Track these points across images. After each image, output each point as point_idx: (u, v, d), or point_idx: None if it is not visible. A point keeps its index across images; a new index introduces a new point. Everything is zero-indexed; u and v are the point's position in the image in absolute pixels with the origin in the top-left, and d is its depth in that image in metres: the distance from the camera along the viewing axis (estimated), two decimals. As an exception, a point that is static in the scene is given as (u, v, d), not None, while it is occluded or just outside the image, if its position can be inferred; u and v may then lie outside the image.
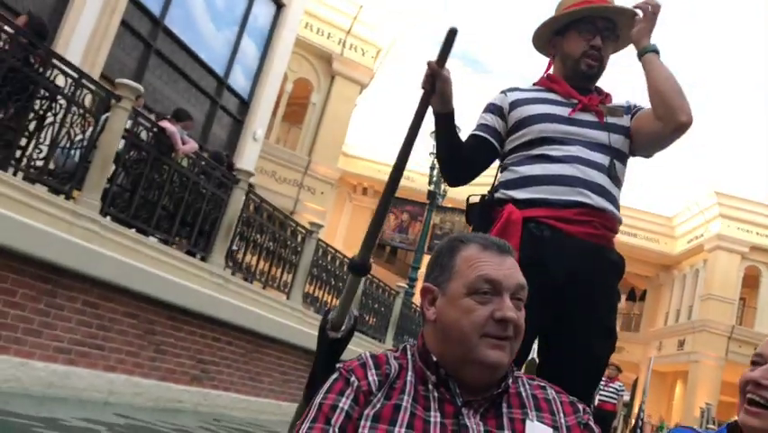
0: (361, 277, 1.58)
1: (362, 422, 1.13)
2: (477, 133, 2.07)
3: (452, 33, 1.56)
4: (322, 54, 18.45)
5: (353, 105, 19.49)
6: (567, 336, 1.90)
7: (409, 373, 1.21)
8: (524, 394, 1.24)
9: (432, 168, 15.10)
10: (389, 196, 1.63)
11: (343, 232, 23.95)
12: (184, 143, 5.65)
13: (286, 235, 8.11)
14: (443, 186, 15.21)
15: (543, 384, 1.29)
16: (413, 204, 18.55)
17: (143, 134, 5.35)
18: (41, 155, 4.63)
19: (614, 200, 1.96)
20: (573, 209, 1.89)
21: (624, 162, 2.05)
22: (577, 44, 2.07)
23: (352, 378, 1.18)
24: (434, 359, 1.20)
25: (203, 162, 6.31)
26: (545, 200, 1.90)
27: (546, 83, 2.12)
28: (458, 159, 2.01)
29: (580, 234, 1.89)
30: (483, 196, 2.07)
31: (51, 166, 4.76)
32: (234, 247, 6.74)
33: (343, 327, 1.52)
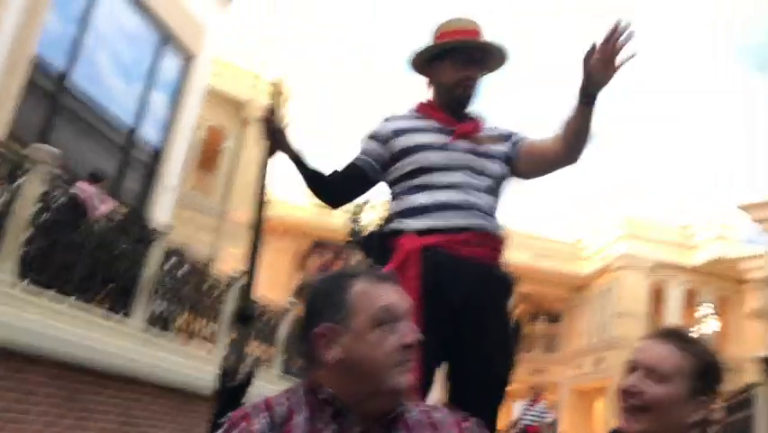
0: (247, 326, 1.58)
1: None
2: (359, 157, 2.16)
3: (276, 88, 1.63)
4: (233, 101, 18.57)
5: (267, 149, 19.61)
6: (468, 358, 1.97)
7: (302, 411, 1.22)
8: (414, 418, 1.27)
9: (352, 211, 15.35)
10: (255, 248, 1.66)
11: (265, 275, 23.82)
12: (101, 203, 5.70)
13: (208, 285, 8.15)
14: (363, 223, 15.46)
15: (431, 407, 1.34)
16: (335, 243, 18.73)
17: (60, 198, 5.37)
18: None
19: (497, 222, 2.09)
20: (465, 234, 1.99)
21: (502, 187, 2.17)
22: (452, 73, 2.15)
23: (243, 424, 1.18)
24: (330, 390, 1.21)
25: (121, 220, 6.36)
26: (438, 227, 1.99)
27: (424, 110, 2.21)
28: (326, 187, 2.12)
29: (473, 257, 1.99)
30: (379, 227, 2.18)
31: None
32: (157, 302, 6.77)
33: (240, 375, 1.52)
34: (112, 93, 10.39)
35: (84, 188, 5.59)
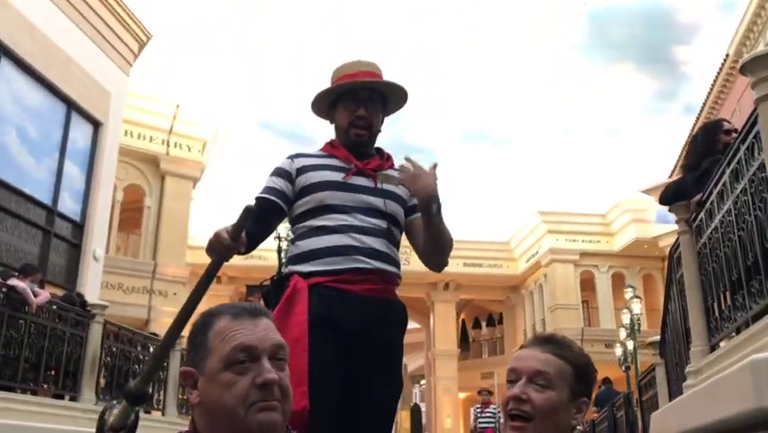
0: (135, 407, 1.48)
1: None
2: (265, 196, 2.16)
3: (247, 210, 1.61)
4: (147, 157, 18.47)
5: (189, 199, 19.56)
6: (357, 383, 2.03)
7: None
8: None
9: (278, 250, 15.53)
10: (174, 337, 1.63)
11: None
12: (36, 296, 5.78)
13: (148, 352, 8.18)
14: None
15: None
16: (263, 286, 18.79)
17: None
18: None
19: (390, 259, 2.11)
20: (348, 274, 2.04)
21: (399, 227, 2.21)
22: (344, 116, 2.21)
23: None
24: None
25: (55, 307, 6.43)
26: (325, 271, 2.04)
27: (328, 148, 2.25)
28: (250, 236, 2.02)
29: (360, 291, 2.04)
30: (273, 276, 2.22)
31: None
32: (101, 379, 6.82)
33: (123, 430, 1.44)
34: (24, 172, 10.30)
35: (16, 283, 5.67)
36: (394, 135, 29.54)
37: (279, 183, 2.17)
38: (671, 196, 3.56)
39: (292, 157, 2.23)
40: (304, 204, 2.15)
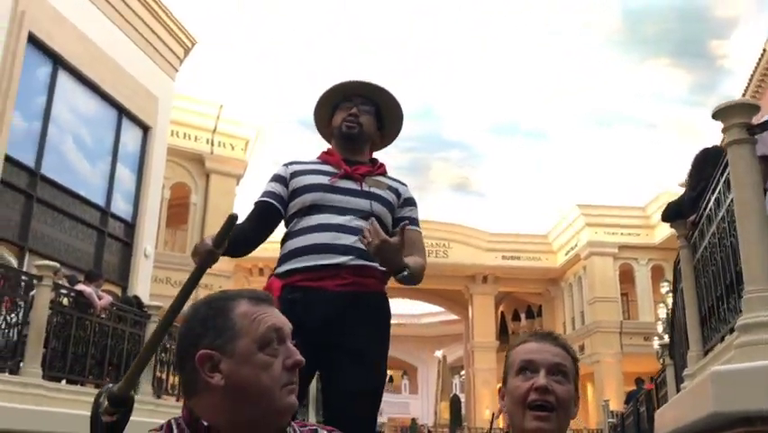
0: (117, 408, 1.44)
1: None
2: (264, 199, 2.27)
3: (231, 219, 1.63)
4: (193, 156, 19.15)
5: (233, 196, 20.22)
6: (337, 374, 2.09)
7: None
8: None
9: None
10: (158, 341, 1.66)
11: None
12: (99, 299, 6.36)
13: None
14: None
15: (314, 428, 1.33)
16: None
17: (65, 301, 6.05)
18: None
19: (365, 254, 2.08)
20: (321, 271, 2.11)
21: (386, 228, 2.22)
22: (339, 117, 2.35)
23: None
24: (206, 424, 1.17)
25: (116, 309, 7.02)
26: (298, 269, 2.13)
27: (323, 156, 2.38)
28: (239, 239, 2.12)
29: (329, 286, 2.09)
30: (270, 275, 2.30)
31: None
32: (157, 373, 7.40)
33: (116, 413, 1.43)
34: (80, 176, 10.95)
35: (83, 288, 6.25)
36: (430, 132, 29.78)
37: (276, 187, 2.28)
38: (671, 214, 3.85)
39: (287, 164, 2.36)
40: (293, 206, 2.24)
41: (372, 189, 2.25)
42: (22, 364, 5.40)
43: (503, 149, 31.19)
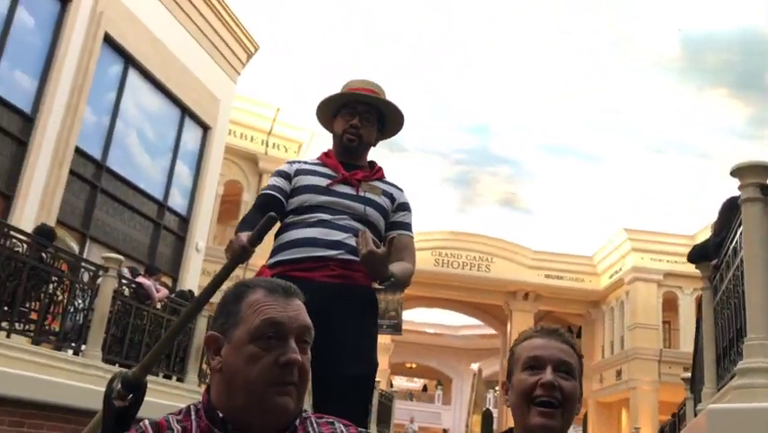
0: (129, 394, 1.45)
1: None
2: (267, 192, 2.34)
3: (271, 219, 1.66)
4: (247, 156, 19.73)
5: (283, 196, 20.72)
6: (325, 364, 2.07)
7: None
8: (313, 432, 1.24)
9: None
10: (179, 330, 1.70)
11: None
12: (157, 292, 6.84)
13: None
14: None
15: (331, 420, 1.29)
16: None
17: (126, 291, 6.56)
18: (58, 327, 5.91)
19: (354, 250, 2.14)
20: (309, 263, 2.16)
21: (379, 232, 2.29)
22: (341, 124, 2.40)
23: None
24: (221, 415, 1.16)
25: (171, 302, 7.52)
26: (288, 260, 2.19)
27: (323, 157, 2.44)
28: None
29: (317, 277, 2.14)
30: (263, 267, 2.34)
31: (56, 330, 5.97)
32: (204, 365, 7.85)
33: (130, 396, 1.45)
34: (141, 170, 11.54)
35: (143, 281, 6.73)
36: (481, 146, 29.91)
37: (280, 182, 2.35)
38: (696, 256, 4.03)
39: (291, 162, 2.46)
40: (291, 203, 2.32)
41: (368, 195, 2.32)
42: (84, 347, 5.91)
43: (553, 168, 31.08)
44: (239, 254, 1.80)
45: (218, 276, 1.67)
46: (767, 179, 2.71)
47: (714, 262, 3.76)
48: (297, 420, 1.21)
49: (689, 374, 6.12)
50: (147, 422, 1.16)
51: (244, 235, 1.83)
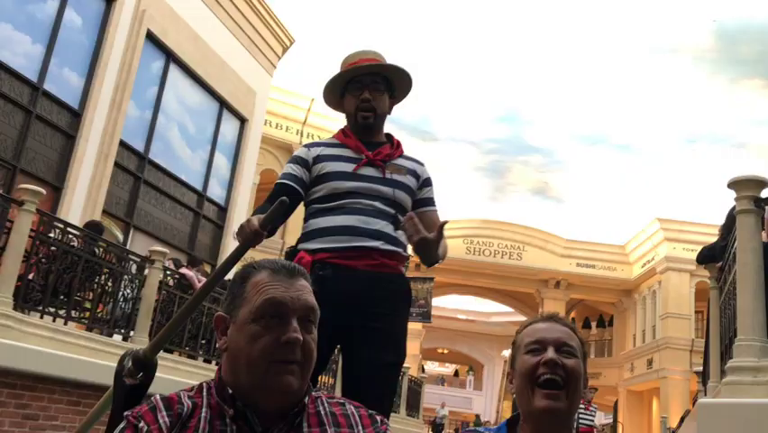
0: (140, 372, 1.46)
1: None
2: (284, 181, 2.29)
3: (283, 204, 1.65)
4: (283, 145, 20.16)
5: (317, 185, 21.15)
6: (359, 349, 2.15)
7: (203, 409, 1.18)
8: (323, 412, 1.24)
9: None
10: (190, 310, 1.71)
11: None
12: (199, 282, 7.26)
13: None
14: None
15: (342, 401, 1.30)
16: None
17: (170, 282, 7.02)
18: (109, 315, 6.41)
19: (393, 240, 2.20)
20: (352, 251, 2.16)
21: (405, 211, 2.26)
22: (351, 102, 2.33)
23: (141, 424, 1.13)
24: (230, 391, 1.17)
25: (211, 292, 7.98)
26: (330, 248, 2.17)
27: (341, 137, 2.37)
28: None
29: (361, 266, 2.15)
30: (290, 247, 2.37)
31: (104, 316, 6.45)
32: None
33: (140, 374, 1.46)
34: (182, 161, 12.00)
35: (185, 272, 7.17)
36: (514, 135, 29.92)
37: (297, 170, 2.30)
38: (703, 257, 4.26)
39: (308, 146, 2.38)
40: (318, 190, 2.28)
41: (394, 176, 2.30)
42: (132, 333, 6.38)
43: (586, 157, 30.99)
44: (250, 238, 1.78)
45: (228, 259, 1.68)
46: (761, 193, 2.94)
47: (719, 264, 3.99)
48: (308, 398, 1.23)
49: (701, 368, 6.33)
50: (158, 397, 1.19)
51: (255, 219, 1.82)
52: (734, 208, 4.35)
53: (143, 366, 1.46)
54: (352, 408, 1.28)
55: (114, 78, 10.05)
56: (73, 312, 6.20)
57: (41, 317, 5.88)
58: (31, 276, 5.79)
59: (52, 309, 6.00)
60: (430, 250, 2.03)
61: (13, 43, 8.72)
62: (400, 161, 2.36)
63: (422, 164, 2.44)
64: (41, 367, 5.31)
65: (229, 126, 13.33)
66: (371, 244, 2.17)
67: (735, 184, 2.94)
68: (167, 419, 1.14)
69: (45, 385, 5.50)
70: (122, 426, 1.15)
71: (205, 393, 1.20)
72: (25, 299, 5.74)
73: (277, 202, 1.66)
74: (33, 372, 5.32)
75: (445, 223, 2.07)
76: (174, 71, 11.64)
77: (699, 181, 29.45)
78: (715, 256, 4.11)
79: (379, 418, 1.29)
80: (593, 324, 32.54)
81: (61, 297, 6.06)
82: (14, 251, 5.44)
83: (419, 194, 2.37)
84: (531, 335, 1.42)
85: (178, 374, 6.69)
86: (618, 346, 29.80)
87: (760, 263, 2.83)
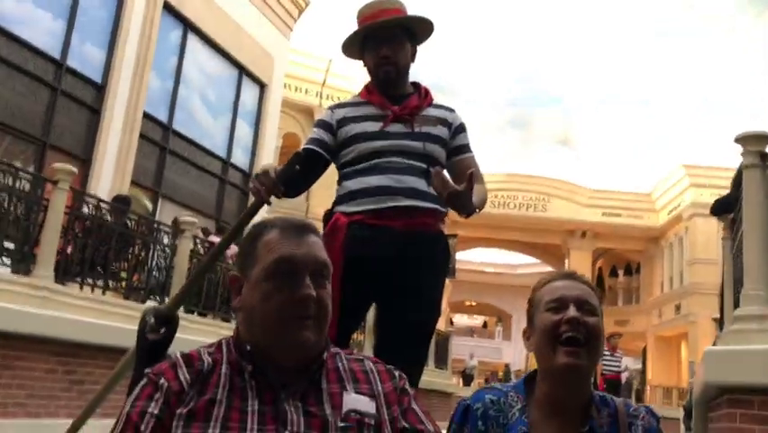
0: (162, 327, 1.47)
1: (175, 423, 1.09)
2: (308, 147, 2.24)
3: (296, 156, 1.69)
4: (303, 108, 20.25)
5: (338, 145, 21.26)
6: (393, 306, 2.14)
7: (224, 365, 1.18)
8: (341, 368, 1.24)
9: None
10: (208, 266, 1.75)
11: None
12: (228, 250, 7.55)
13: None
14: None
15: (360, 357, 1.30)
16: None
17: (201, 250, 7.30)
18: (144, 283, 6.74)
19: (428, 196, 2.13)
20: (389, 211, 2.12)
21: (441, 165, 2.22)
22: (371, 58, 2.27)
23: (161, 380, 1.13)
24: (248, 348, 1.18)
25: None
26: (367, 210, 2.14)
27: (365, 94, 2.30)
28: (292, 186, 2.04)
29: (396, 225, 2.12)
30: (327, 210, 2.32)
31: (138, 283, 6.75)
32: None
33: (162, 329, 1.47)
34: (205, 130, 12.18)
35: (215, 240, 7.42)
36: (535, 87, 29.63)
37: (322, 134, 2.26)
38: (718, 208, 4.34)
39: (332, 108, 2.33)
40: (347, 153, 2.23)
41: (423, 129, 2.23)
42: (167, 299, 6.64)
43: (608, 107, 30.68)
44: (267, 184, 1.76)
45: (245, 214, 1.70)
46: (767, 146, 3.02)
47: (732, 215, 4.07)
48: (326, 354, 1.23)
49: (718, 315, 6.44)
50: (178, 354, 1.20)
51: (272, 170, 1.80)
52: (744, 161, 4.42)
53: (166, 321, 1.48)
54: (371, 363, 1.29)
55: (135, 50, 10.18)
56: (110, 282, 6.51)
57: (81, 289, 6.20)
58: (69, 250, 6.08)
59: (90, 281, 6.32)
60: (463, 202, 1.95)
61: (35, 21, 8.88)
62: (429, 111, 2.29)
63: (452, 111, 2.35)
64: (83, 335, 5.60)
65: (249, 92, 13.44)
66: (407, 203, 2.13)
67: (741, 139, 3.02)
68: (187, 375, 1.14)
69: (88, 352, 5.80)
70: (142, 383, 1.16)
71: (224, 350, 1.21)
72: (65, 272, 6.05)
73: (293, 155, 1.70)
74: (77, 340, 5.62)
75: (473, 172, 1.96)
76: (192, 40, 11.73)
77: (724, 126, 29.09)
78: (728, 208, 4.19)
79: (397, 373, 1.29)
80: (620, 272, 32.58)
81: (98, 268, 6.36)
82: (52, 228, 5.72)
83: (452, 142, 2.29)
84: (551, 293, 1.42)
85: (199, 334, 7.06)
86: (646, 293, 29.89)
87: (765, 217, 2.93)
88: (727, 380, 2.77)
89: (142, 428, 1.08)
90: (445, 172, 2.08)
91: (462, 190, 1.91)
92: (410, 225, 2.12)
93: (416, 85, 2.34)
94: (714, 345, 7.54)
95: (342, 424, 1.14)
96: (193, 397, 1.11)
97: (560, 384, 1.37)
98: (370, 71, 2.29)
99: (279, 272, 1.17)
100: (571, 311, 1.35)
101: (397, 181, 2.14)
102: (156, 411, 1.10)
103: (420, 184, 2.14)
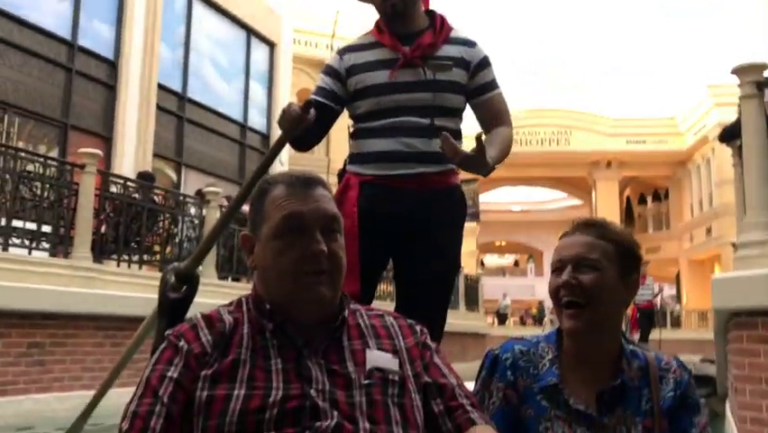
0: (182, 285, 1.49)
1: (199, 384, 1.09)
2: (315, 97, 2.06)
3: (308, 104, 1.68)
4: (315, 62, 20.16)
5: (354, 97, 21.24)
6: (410, 262, 2.10)
7: (245, 325, 1.17)
8: (362, 325, 1.24)
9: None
10: (228, 221, 1.73)
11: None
12: (250, 218, 7.88)
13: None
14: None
15: (380, 313, 1.30)
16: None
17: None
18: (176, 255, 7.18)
19: (438, 158, 2.00)
20: (398, 177, 2.05)
21: (454, 115, 2.10)
22: None
23: (181, 342, 1.13)
24: (268, 306, 1.18)
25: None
26: (380, 175, 2.06)
27: (376, 33, 2.12)
28: (302, 139, 1.98)
29: (413, 187, 2.05)
30: (341, 169, 2.33)
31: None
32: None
33: (183, 287, 1.47)
34: (219, 95, 12.29)
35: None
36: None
37: (329, 82, 2.11)
38: (726, 135, 4.37)
39: (341, 53, 2.16)
40: (357, 107, 2.12)
41: (436, 76, 2.06)
42: (200, 268, 6.94)
43: (630, 31, 30.01)
44: (296, 124, 1.70)
45: (273, 148, 1.71)
46: (763, 75, 3.06)
47: (739, 142, 4.11)
48: (346, 311, 1.22)
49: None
50: (199, 315, 1.19)
51: (296, 105, 1.72)
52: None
53: (186, 279, 1.48)
54: (392, 319, 1.28)
55: (143, 22, 10.27)
56: (144, 257, 6.78)
57: (118, 265, 6.49)
58: (103, 230, 6.36)
59: (126, 257, 6.62)
60: (476, 164, 1.86)
61: (42, 3, 8.99)
62: (445, 50, 2.09)
63: (473, 45, 2.14)
64: (125, 309, 5.88)
65: (259, 53, 13.48)
66: (418, 170, 2.04)
67: (738, 71, 3.07)
68: (209, 337, 1.13)
69: (131, 324, 6.08)
70: (162, 346, 1.15)
71: (244, 308, 1.20)
72: (101, 251, 6.35)
73: (304, 102, 1.66)
74: (119, 314, 5.90)
75: (480, 135, 1.86)
76: (198, 6, 11.77)
77: (746, 44, 28.31)
78: (736, 134, 4.23)
79: (418, 327, 1.28)
80: (648, 199, 32.35)
81: (132, 244, 6.64)
82: (85, 210, 6.00)
83: (472, 83, 2.11)
84: (555, 253, 1.42)
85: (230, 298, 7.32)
86: (676, 218, 29.70)
87: (763, 144, 2.99)
88: (733, 305, 2.89)
89: (161, 392, 1.08)
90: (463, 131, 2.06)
91: (472, 155, 1.82)
92: (423, 185, 2.05)
93: (431, 14, 2.16)
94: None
95: (366, 381, 1.14)
96: (216, 358, 1.11)
97: (575, 344, 1.38)
98: (377, 8, 2.11)
99: (288, 230, 1.16)
100: (565, 275, 1.36)
101: (407, 146, 2.04)
102: (175, 375, 1.10)
103: (432, 146, 2.01)
